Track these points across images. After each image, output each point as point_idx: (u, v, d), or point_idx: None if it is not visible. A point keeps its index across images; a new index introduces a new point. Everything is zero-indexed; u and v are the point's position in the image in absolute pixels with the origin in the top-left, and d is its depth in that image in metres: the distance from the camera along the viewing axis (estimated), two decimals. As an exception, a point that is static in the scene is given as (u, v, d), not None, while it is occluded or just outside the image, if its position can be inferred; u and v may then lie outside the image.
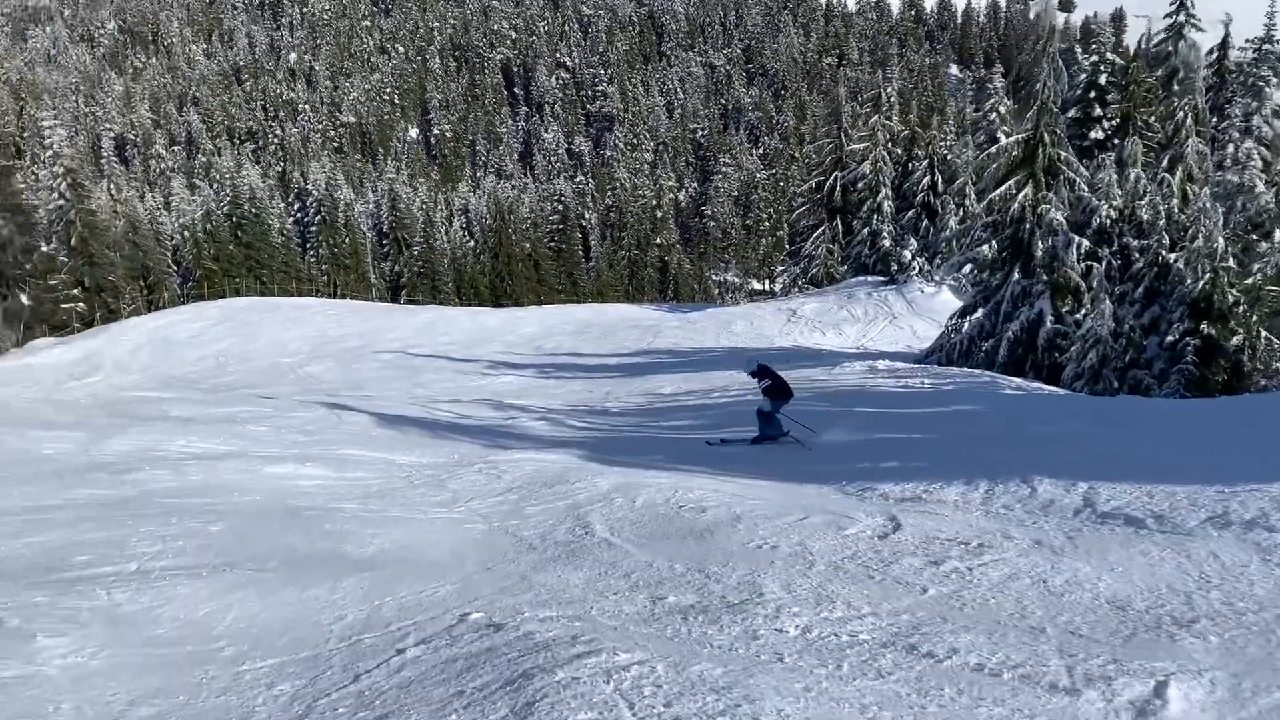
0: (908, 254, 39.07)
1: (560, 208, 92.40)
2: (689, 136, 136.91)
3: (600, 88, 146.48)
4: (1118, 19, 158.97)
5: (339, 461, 12.39)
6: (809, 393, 19.16)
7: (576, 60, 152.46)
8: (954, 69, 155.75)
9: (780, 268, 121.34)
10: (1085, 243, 23.42)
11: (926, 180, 47.43)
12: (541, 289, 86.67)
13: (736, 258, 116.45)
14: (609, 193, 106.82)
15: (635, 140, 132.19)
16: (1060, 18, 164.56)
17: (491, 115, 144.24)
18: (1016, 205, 24.40)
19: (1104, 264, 22.74)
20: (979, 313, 25.89)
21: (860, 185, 47.58)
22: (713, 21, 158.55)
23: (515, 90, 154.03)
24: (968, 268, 38.68)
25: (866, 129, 48.54)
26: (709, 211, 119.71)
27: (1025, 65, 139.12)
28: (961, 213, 39.96)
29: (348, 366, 37.72)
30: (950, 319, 26.27)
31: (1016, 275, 23.84)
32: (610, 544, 7.74)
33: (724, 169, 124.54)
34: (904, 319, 35.44)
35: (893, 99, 54.12)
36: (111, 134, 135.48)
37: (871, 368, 22.43)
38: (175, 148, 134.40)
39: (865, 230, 45.07)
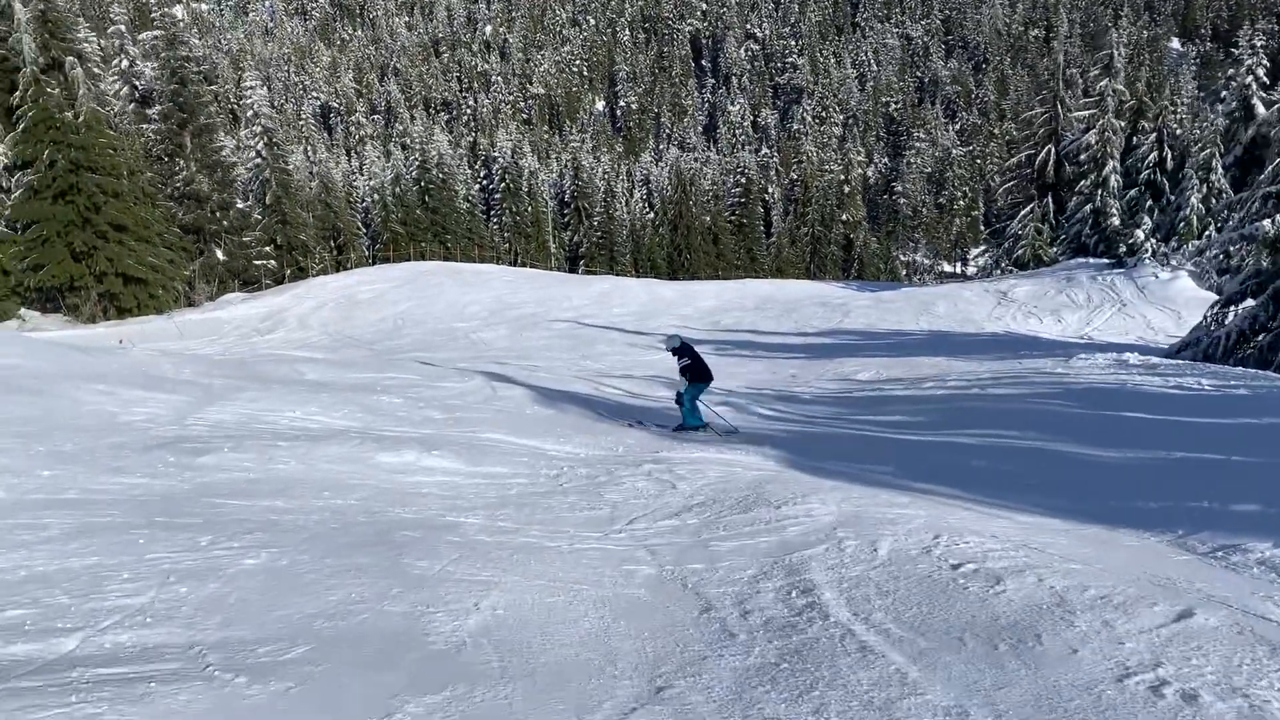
0: (1140, 234, 33.82)
1: (743, 181, 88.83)
2: (881, 110, 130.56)
3: (790, 59, 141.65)
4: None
5: (476, 449, 9.71)
6: (1048, 389, 15.44)
7: (767, 31, 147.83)
8: (1175, 43, 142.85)
9: (979, 248, 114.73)
10: None
11: (1154, 156, 41.73)
12: (719, 264, 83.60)
13: (927, 238, 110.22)
14: (794, 167, 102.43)
15: (824, 113, 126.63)
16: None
17: (678, 87, 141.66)
18: None
19: None
20: (1250, 302, 21.15)
21: (1083, 158, 42.19)
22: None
23: (703, 63, 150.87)
24: (1211, 251, 33.32)
25: (1094, 94, 43.00)
26: (899, 189, 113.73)
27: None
28: (1205, 189, 34.46)
29: (519, 334, 35.88)
30: (1212, 308, 21.62)
31: None
32: (861, 644, 4.64)
33: (917, 144, 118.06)
34: (1134, 307, 30.51)
35: (1122, 63, 47.95)
36: (318, 101, 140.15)
37: (1119, 361, 18.31)
38: (375, 116, 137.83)
39: (1087, 207, 39.83)
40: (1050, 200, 50.93)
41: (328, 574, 5.15)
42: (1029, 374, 17.58)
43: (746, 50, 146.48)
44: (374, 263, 61.32)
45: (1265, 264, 21.05)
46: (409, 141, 74.78)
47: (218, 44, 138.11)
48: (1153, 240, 33.73)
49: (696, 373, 13.65)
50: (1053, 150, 50.77)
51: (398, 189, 67.92)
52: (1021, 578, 5.50)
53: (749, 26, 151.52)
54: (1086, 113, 43.15)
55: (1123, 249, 34.47)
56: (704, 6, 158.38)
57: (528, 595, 5.24)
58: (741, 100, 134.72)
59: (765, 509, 7.46)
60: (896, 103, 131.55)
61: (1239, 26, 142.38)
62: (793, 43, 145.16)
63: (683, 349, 13.86)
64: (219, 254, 51.09)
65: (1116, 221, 36.47)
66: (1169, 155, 44.43)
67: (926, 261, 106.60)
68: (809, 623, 5.00)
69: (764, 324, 35.17)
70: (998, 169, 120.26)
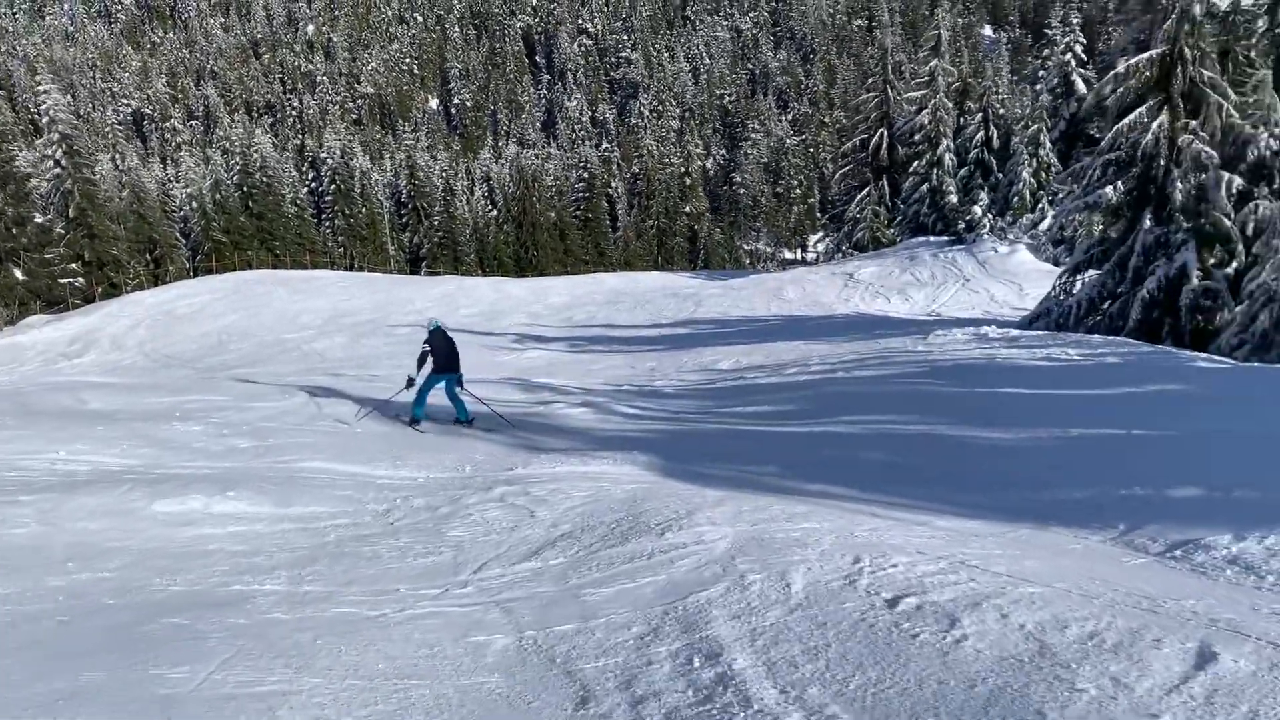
0: (977, 210, 34.14)
1: (586, 175, 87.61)
2: (716, 103, 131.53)
3: (624, 54, 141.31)
4: None
5: (287, 485, 7.98)
6: (915, 367, 14.64)
7: (599, 26, 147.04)
8: (988, 30, 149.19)
9: (818, 235, 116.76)
10: (1238, 180, 18.66)
11: (981, 135, 42.53)
12: (568, 259, 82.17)
13: (767, 226, 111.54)
14: (635, 160, 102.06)
15: (660, 107, 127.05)
16: None
17: (513, 84, 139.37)
18: (1150, 137, 19.50)
19: (1264, 205, 17.99)
20: (1094, 271, 21.11)
21: (917, 138, 42.54)
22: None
23: (537, 59, 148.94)
24: (1045, 223, 33.86)
25: (924, 74, 43.44)
26: (738, 179, 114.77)
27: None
28: (1035, 164, 35.08)
29: (357, 342, 33.64)
30: (1060, 278, 21.54)
31: (1148, 223, 19.03)
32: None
33: (752, 135, 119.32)
34: (977, 282, 30.65)
35: (947, 45, 48.61)
36: (129, 108, 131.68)
37: (978, 335, 17.80)
38: (193, 122, 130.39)
39: (924, 187, 40.18)
40: (885, 183, 51.45)
41: (31, 710, 3.46)
42: (891, 353, 16.85)
43: (580, 45, 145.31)
44: (195, 275, 57.30)
45: (1110, 232, 21.04)
46: (229, 145, 70.36)
47: (12, 50, 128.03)
48: (989, 216, 34.08)
49: (435, 362, 13.01)
50: (885, 133, 51.25)
51: (218, 195, 63.68)
52: (979, 614, 4.27)
53: (581, 21, 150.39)
54: (919, 93, 43.58)
55: (961, 225, 34.74)
56: (534, 2, 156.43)
57: (332, 711, 3.68)
58: (579, 96, 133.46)
59: (646, 537, 6.07)
60: (730, 95, 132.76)
61: (1045, 13, 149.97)
62: (625, 37, 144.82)
63: (431, 335, 13.26)
64: (17, 274, 46.61)
65: (954, 199, 36.83)
66: (994, 134, 45.38)
67: (768, 249, 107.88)
68: (725, 712, 3.62)
69: (619, 317, 33.97)
70: (831, 156, 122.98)
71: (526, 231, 79.67)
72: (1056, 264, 31.59)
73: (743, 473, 8.74)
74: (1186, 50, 19.07)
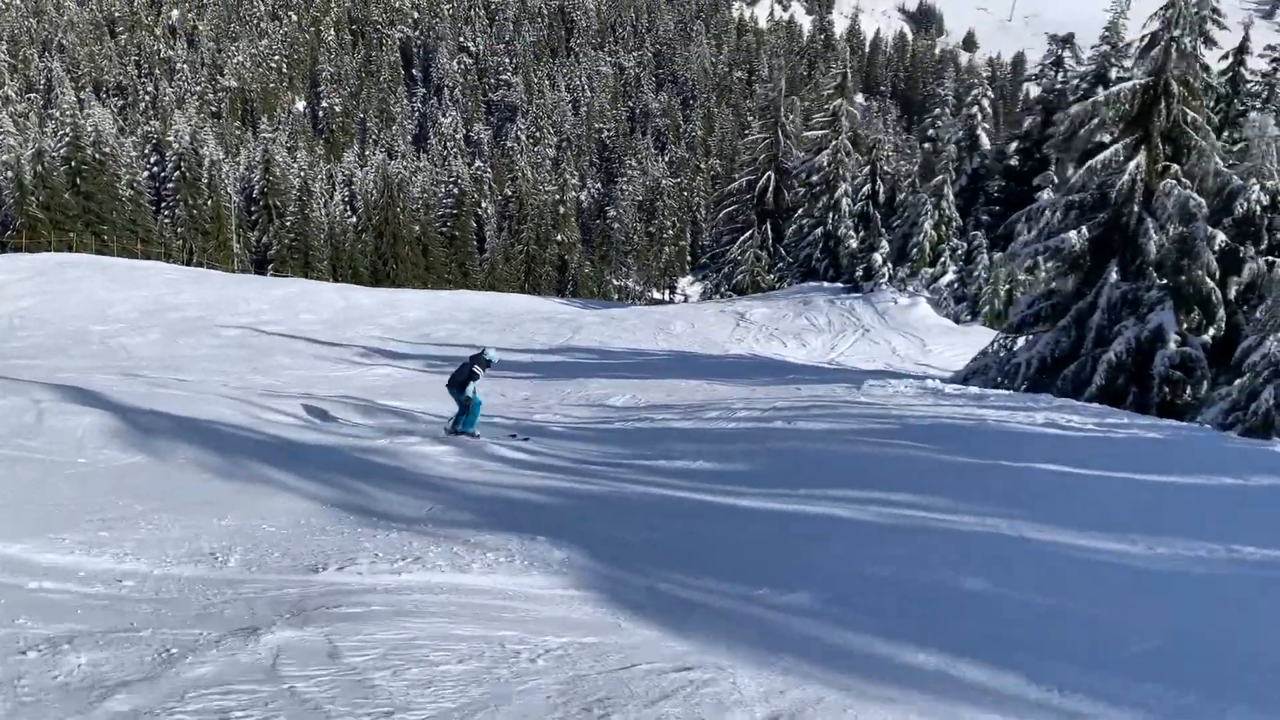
0: (877, 258, 31.39)
1: (456, 192, 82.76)
2: (594, 136, 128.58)
3: (504, 76, 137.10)
4: (1018, 63, 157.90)
5: None
6: (880, 424, 10.97)
7: (481, 46, 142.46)
8: (860, 97, 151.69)
9: (686, 279, 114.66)
10: (1221, 236, 15.96)
11: (868, 188, 40.32)
12: (429, 276, 76.92)
13: (638, 264, 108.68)
14: (509, 183, 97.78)
15: (538, 134, 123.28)
16: (964, 56, 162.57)
17: (386, 93, 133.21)
18: (1125, 179, 16.63)
19: (1252, 266, 15.35)
20: (1046, 328, 18.11)
21: (814, 179, 39.85)
22: (624, 22, 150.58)
23: (413, 71, 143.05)
24: (946, 278, 31.37)
25: (826, 113, 40.86)
26: (612, 214, 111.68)
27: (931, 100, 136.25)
28: (937, 215, 32.73)
29: (174, 341, 28.37)
30: (1000, 334, 18.56)
31: (1114, 276, 16.12)
32: None
33: (629, 172, 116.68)
34: (877, 333, 27.76)
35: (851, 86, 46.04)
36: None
37: (928, 389, 14.36)
38: (32, 95, 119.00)
39: (818, 230, 37.46)
40: (769, 226, 48.83)
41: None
42: (831, 404, 13.20)
43: (459, 63, 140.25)
44: (3, 251, 49.87)
45: (1065, 285, 18.09)
46: (59, 115, 62.64)
47: None
48: (888, 265, 31.41)
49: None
50: (773, 176, 48.69)
51: (39, 167, 55.99)
52: None
53: (462, 39, 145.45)
54: (819, 132, 41.02)
55: (859, 273, 31.95)
56: (415, 14, 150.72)
57: None
58: (454, 113, 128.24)
59: None
60: (609, 130, 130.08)
61: (914, 90, 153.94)
62: (507, 60, 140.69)
63: (486, 364, 12.43)
64: None
65: (854, 244, 34.13)
66: (881, 188, 43.32)
67: (638, 287, 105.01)
68: None
69: (484, 339, 29.53)
70: (705, 201, 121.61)
71: (387, 242, 74.12)
72: (957, 321, 29.03)
73: (749, 603, 4.72)
74: (1174, 84, 16.31)
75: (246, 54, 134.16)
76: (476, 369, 12.06)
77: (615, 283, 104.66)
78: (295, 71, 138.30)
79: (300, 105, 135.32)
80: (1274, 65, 32.63)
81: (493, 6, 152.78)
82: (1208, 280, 15.89)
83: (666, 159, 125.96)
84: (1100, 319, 16.60)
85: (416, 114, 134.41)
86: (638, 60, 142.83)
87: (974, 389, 15.14)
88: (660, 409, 14.24)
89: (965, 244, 31.92)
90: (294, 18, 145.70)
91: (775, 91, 47.66)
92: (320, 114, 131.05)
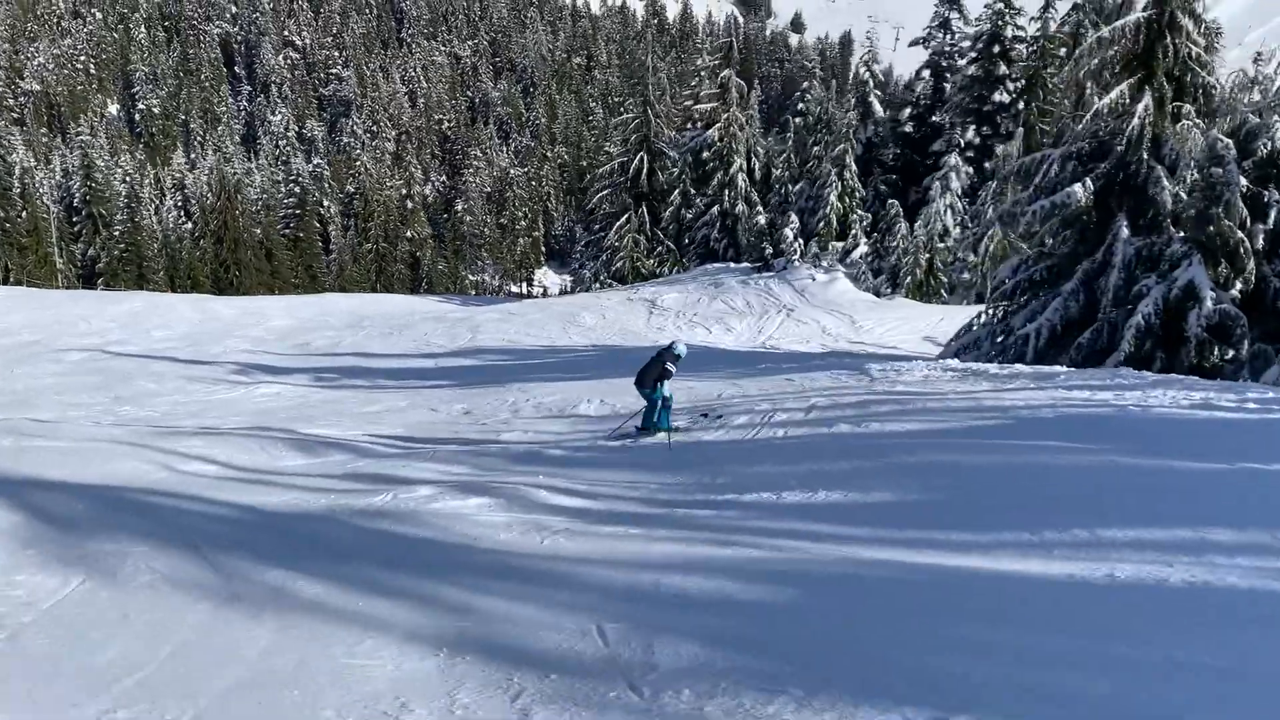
0: (789, 234, 30.01)
1: (298, 190, 77.80)
2: (434, 128, 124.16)
3: (335, 70, 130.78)
4: (845, 42, 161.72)
5: None
6: (985, 422, 9.07)
7: (307, 40, 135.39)
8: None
9: (543, 270, 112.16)
10: (1243, 181, 14.77)
11: (745, 166, 39.08)
12: (275, 281, 72.10)
13: (492, 257, 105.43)
14: (351, 179, 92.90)
15: (375, 128, 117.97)
16: (794, 37, 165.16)
17: (209, 93, 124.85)
18: (1135, 123, 15.16)
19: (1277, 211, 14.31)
20: (1040, 294, 16.67)
21: (706, 154, 38.18)
22: (456, 11, 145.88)
23: (236, 68, 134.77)
24: (859, 251, 30.31)
25: (715, 86, 39.21)
26: (460, 207, 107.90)
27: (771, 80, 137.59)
28: (840, 186, 31.65)
29: (10, 370, 24.57)
30: (991, 301, 17.20)
31: (1126, 232, 14.89)
32: None
33: (474, 164, 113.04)
34: (802, 312, 26.45)
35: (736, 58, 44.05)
36: None
37: (959, 370, 12.74)
38: None
39: (714, 209, 35.84)
40: (645, 210, 47.16)
41: None
42: (881, 397, 11.25)
43: (286, 58, 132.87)
44: None
45: (1060, 246, 16.72)
46: None
47: None
48: (799, 241, 30.07)
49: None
50: (646, 157, 47.00)
51: None
52: None
53: (287, 34, 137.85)
54: (707, 106, 39.32)
55: (769, 250, 30.50)
56: (234, 9, 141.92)
57: None
58: (284, 110, 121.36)
59: None
60: (450, 121, 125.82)
61: (750, 69, 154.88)
62: (337, 54, 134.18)
63: (677, 358, 11.93)
64: None
65: (762, 220, 32.61)
66: (756, 165, 42.34)
67: (494, 281, 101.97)
68: None
69: (372, 345, 26.85)
70: (554, 190, 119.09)
71: (228, 248, 68.79)
72: (878, 294, 28.00)
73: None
74: (1180, 15, 15.10)
75: (48, 55, 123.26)
76: (669, 366, 11.54)
77: (471, 278, 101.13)
78: (105, 73, 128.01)
79: (113, 108, 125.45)
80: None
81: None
82: (1236, 230, 14.67)
83: (512, 148, 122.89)
84: (1117, 279, 15.23)
85: (243, 113, 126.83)
86: (474, 49, 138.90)
87: (1024, 367, 13.40)
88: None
89: (870, 215, 30.99)
90: (98, 15, 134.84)
91: (643, 70, 45.85)
92: (137, 116, 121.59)
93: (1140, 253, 14.83)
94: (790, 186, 41.04)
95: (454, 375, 20.64)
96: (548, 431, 11.92)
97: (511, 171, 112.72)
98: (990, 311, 17.06)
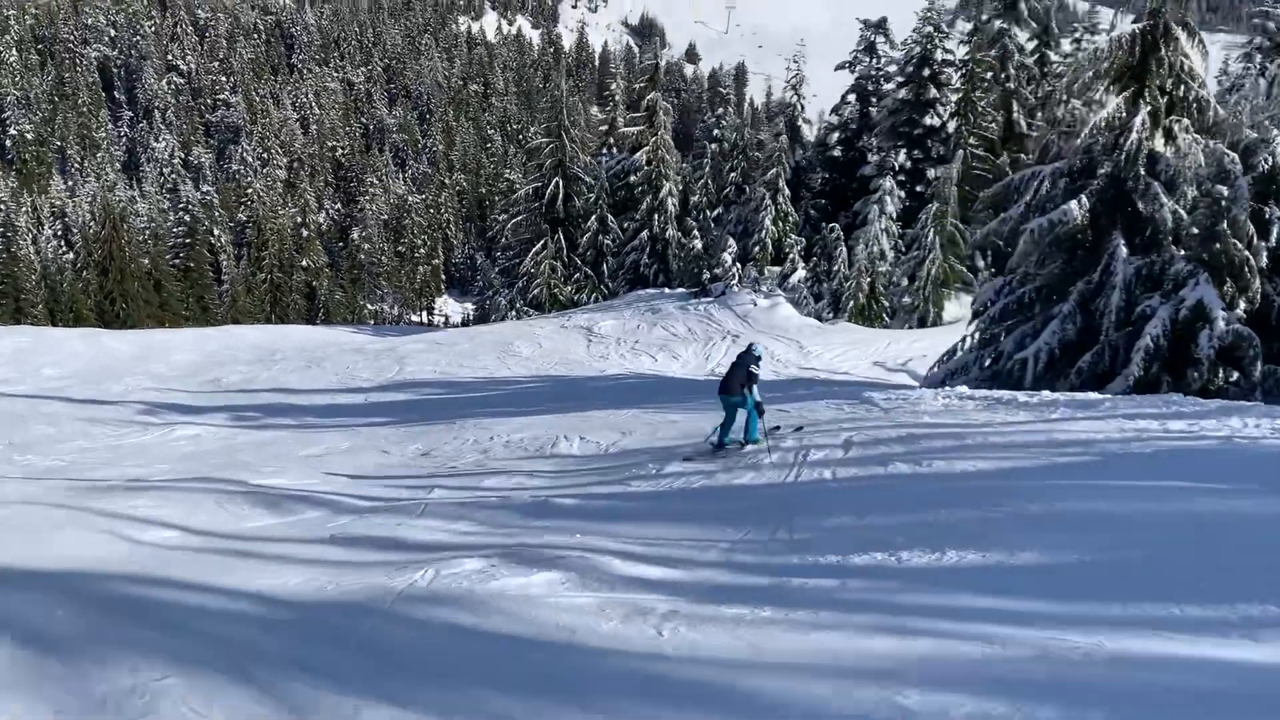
0: (728, 258, 29.30)
1: (187, 219, 74.24)
2: (328, 155, 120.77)
3: (222, 96, 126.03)
4: (740, 72, 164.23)
5: None
6: (1072, 460, 8.19)
7: (193, 65, 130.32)
8: (595, 109, 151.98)
9: (443, 298, 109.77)
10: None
11: (669, 188, 38.41)
12: (164, 314, 68.37)
13: (391, 286, 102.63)
14: (243, 207, 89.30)
15: (266, 155, 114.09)
16: (689, 68, 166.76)
17: (87, 118, 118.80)
18: (1134, 138, 14.69)
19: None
20: (1043, 316, 16.03)
21: (634, 178, 37.29)
22: (349, 37, 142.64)
23: (116, 93, 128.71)
24: (798, 275, 29.78)
25: (641, 110, 38.41)
26: (356, 236, 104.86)
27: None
28: (774, 210, 31.18)
29: (-118, 418, 21.85)
30: (976, 323, 16.54)
31: (1124, 251, 14.38)
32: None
33: (371, 190, 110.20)
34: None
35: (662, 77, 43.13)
36: None
37: (982, 399, 11.98)
38: None
39: (644, 234, 34.94)
40: (562, 235, 46.16)
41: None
42: (926, 430, 10.19)
43: (170, 83, 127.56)
44: None
45: (1050, 266, 16.20)
46: None
47: None
48: (737, 266, 29.39)
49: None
50: (561, 182, 46.03)
51: None
52: None
53: (171, 58, 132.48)
54: (634, 129, 38.47)
55: (706, 275, 29.74)
56: (112, 32, 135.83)
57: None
58: (169, 136, 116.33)
59: None
60: (344, 148, 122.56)
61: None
62: (224, 79, 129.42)
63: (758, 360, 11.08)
64: None
65: (700, 245, 31.85)
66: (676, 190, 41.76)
67: (394, 311, 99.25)
68: None
69: (290, 380, 25.05)
70: (453, 217, 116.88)
71: (113, 279, 64.96)
72: (820, 319, 27.48)
73: None
74: (1174, 27, 14.74)
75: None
76: (754, 369, 10.84)
77: (369, 307, 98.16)
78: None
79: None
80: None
81: (201, 23, 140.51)
82: (1241, 249, 14.30)
83: (409, 175, 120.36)
84: (1118, 300, 14.69)
85: (124, 139, 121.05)
86: (368, 75, 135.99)
87: (1057, 395, 12.56)
88: (661, 454, 11.03)
89: (803, 239, 30.56)
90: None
91: (558, 94, 44.88)
92: (8, 143, 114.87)
93: (1140, 272, 14.43)
94: (708, 212, 40.51)
95: (391, 411, 19.20)
96: (539, 474, 10.72)
97: (409, 199, 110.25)
98: (975, 335, 16.51)
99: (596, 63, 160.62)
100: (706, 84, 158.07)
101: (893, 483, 7.71)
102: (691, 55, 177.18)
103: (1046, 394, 11.77)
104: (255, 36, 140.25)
